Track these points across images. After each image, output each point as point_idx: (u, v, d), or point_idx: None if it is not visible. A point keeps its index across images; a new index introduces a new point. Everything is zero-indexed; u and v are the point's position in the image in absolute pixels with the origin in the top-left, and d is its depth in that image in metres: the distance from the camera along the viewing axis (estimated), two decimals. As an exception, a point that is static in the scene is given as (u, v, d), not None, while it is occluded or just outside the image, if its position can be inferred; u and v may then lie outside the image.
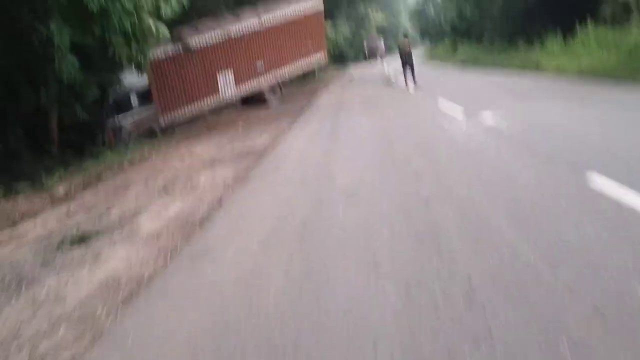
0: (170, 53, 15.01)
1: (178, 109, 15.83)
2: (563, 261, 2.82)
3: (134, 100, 14.24)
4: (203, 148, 10.88)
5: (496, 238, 3.30)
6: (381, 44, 53.34)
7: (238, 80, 17.63)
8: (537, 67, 15.57)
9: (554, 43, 16.87)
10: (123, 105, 13.69)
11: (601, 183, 3.92)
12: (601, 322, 2.19)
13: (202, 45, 15.95)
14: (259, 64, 18.25)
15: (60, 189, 7.87)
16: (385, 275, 3.04)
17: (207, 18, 15.63)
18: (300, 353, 2.39)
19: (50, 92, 8.04)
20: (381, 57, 49.92)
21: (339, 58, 45.94)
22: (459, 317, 2.42)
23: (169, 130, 14.91)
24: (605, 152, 4.97)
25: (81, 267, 4.30)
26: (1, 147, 9.82)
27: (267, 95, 18.91)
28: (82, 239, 5.02)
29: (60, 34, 6.23)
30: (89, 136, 12.03)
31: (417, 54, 27.71)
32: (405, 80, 16.76)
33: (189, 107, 16.17)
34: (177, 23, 13.81)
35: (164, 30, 7.28)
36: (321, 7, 20.88)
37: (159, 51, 14.45)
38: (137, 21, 6.71)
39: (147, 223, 5.34)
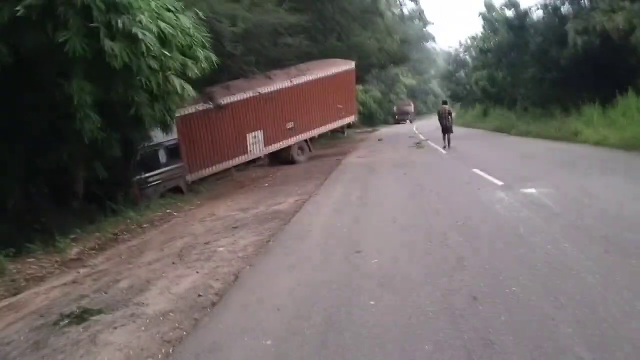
0: (201, 111, 15.04)
1: (206, 167, 15.67)
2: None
3: (162, 156, 14.16)
4: (227, 209, 10.51)
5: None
6: (411, 107, 53.92)
7: (267, 140, 17.57)
8: (575, 137, 14.97)
9: (592, 111, 16.32)
10: (151, 161, 13.60)
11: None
12: None
13: (233, 104, 16.00)
14: (289, 125, 18.22)
15: (74, 251, 7.50)
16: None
17: (238, 78, 15.75)
18: None
19: (71, 149, 7.85)
20: (411, 120, 50.27)
21: (368, 118, 46.35)
22: None
23: (195, 188, 14.69)
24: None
25: (73, 356, 3.77)
26: (24, 201, 9.65)
27: (296, 155, 18.76)
28: (82, 318, 4.50)
29: (81, 92, 6.06)
30: (115, 191, 11.86)
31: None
32: (445, 145, 16.79)
33: (217, 165, 16.02)
34: (209, 82, 13.96)
35: (190, 90, 7.07)
36: (353, 70, 21.06)
37: (190, 109, 14.53)
38: (161, 80, 6.50)
39: (155, 300, 4.81)
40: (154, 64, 6.26)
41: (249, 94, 16.47)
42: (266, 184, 14.15)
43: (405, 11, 35.72)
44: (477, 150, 16.52)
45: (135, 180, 12.93)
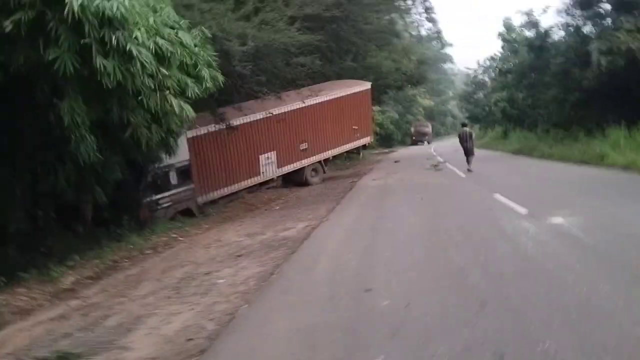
0: (213, 132, 14.75)
1: (217, 189, 15.32)
2: None
3: (174, 177, 13.86)
4: (233, 234, 10.09)
5: None
6: (429, 128, 53.35)
7: (280, 162, 17.22)
8: (602, 160, 14.24)
9: (618, 134, 15.58)
10: (162, 183, 13.32)
11: None
12: None
13: (245, 126, 15.69)
14: (303, 146, 17.87)
15: (69, 280, 7.11)
16: None
17: (251, 99, 15.48)
18: None
19: (68, 173, 7.50)
20: (429, 142, 49.66)
21: (385, 139, 45.88)
22: None
23: (205, 210, 14.32)
24: None
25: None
26: (29, 225, 9.36)
27: (310, 176, 18.34)
28: (58, 364, 4.06)
29: (73, 112, 5.69)
30: (124, 214, 11.54)
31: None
32: (468, 168, 16.27)
33: (229, 187, 15.65)
34: (221, 103, 13.70)
35: (189, 111, 6.66)
36: (369, 91, 20.70)
37: (202, 130, 14.28)
38: (158, 100, 6.11)
39: (140, 344, 4.34)
40: (151, 83, 5.90)
41: (261, 115, 16.18)
42: (277, 207, 13.71)
43: (423, 32, 35.37)
44: (497, 173, 15.85)
45: (146, 202, 12.64)
